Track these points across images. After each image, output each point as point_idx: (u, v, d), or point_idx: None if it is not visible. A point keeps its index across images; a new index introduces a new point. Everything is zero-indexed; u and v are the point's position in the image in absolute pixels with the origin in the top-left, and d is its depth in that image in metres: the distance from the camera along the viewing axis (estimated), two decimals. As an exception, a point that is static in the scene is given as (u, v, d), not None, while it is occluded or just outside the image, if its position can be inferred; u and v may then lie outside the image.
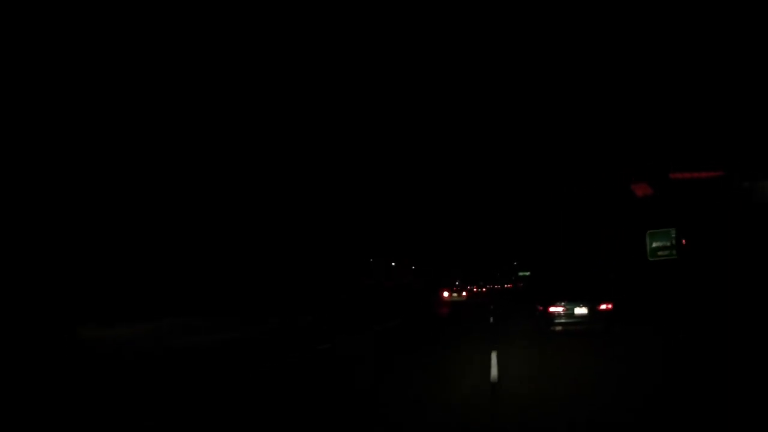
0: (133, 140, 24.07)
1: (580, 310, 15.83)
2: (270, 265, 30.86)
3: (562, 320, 15.85)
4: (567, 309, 15.90)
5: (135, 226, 23.57)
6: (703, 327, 14.81)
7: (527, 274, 74.18)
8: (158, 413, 7.10)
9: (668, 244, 25.03)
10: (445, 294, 44.60)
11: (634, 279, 31.38)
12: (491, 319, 22.72)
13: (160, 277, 22.04)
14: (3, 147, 19.14)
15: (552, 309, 16.05)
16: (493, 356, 11.34)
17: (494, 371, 9.42)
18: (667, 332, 15.15)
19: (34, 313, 17.06)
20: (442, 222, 71.91)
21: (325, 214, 38.59)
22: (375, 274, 52.91)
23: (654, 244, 25.54)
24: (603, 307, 15.86)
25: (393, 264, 57.32)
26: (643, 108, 31.95)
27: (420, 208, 62.46)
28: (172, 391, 8.55)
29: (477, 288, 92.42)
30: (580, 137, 42.29)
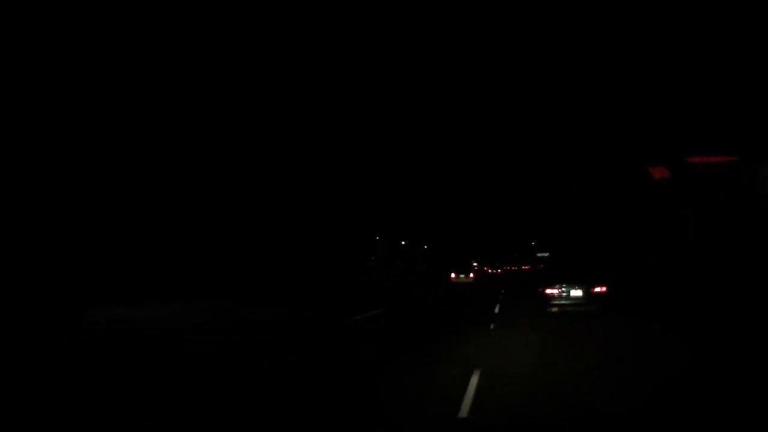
0: (137, 131, 24.26)
1: (576, 293, 16.41)
2: (269, 249, 30.68)
3: (558, 301, 16.45)
4: (563, 291, 16.49)
5: (137, 214, 23.83)
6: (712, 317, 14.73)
7: (546, 255, 72.75)
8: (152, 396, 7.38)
9: None
10: (452, 275, 44.33)
11: (634, 275, 31.42)
12: (497, 309, 20.22)
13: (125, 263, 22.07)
14: (15, 136, 19.63)
15: (549, 291, 16.64)
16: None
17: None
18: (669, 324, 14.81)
19: (44, 296, 17.43)
20: (456, 203, 70.89)
21: (331, 193, 38.08)
22: (381, 256, 51.71)
23: None
24: (598, 289, 16.42)
25: (403, 243, 56.25)
26: (663, 93, 32.23)
27: (434, 188, 61.98)
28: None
29: (492, 270, 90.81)
30: (599, 121, 41.72)
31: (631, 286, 26.62)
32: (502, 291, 31.96)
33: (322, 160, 37.66)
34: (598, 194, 47.85)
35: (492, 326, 14.77)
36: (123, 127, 24.08)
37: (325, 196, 36.78)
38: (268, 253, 30.48)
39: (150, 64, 25.03)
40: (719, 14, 26.13)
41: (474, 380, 7.32)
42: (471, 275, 44.02)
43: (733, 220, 23.62)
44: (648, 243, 34.58)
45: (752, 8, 24.55)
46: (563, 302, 16.43)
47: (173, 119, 25.93)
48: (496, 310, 19.91)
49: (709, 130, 28.31)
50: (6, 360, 10.07)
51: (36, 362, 9.91)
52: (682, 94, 30.00)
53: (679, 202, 29.61)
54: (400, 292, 30.39)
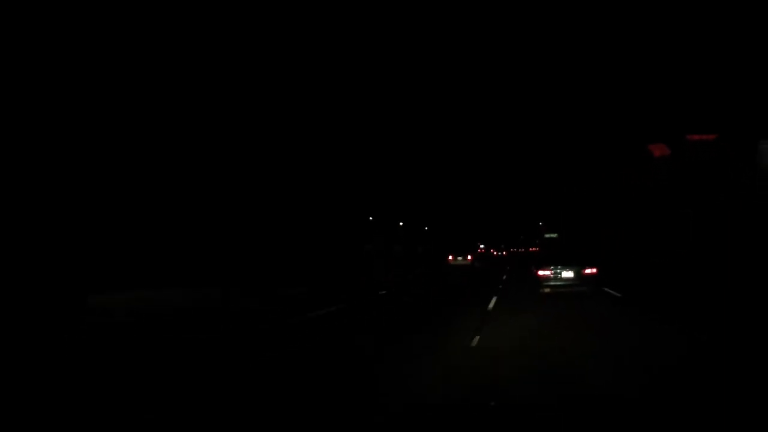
0: (138, 124, 24.58)
1: (567, 274, 17.25)
2: (262, 232, 30.46)
3: (551, 282, 17.23)
4: (555, 272, 17.31)
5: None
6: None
7: (555, 235, 71.56)
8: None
9: None
10: (450, 257, 44.54)
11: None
12: (490, 305, 15.46)
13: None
14: (19, 129, 19.86)
15: (541, 272, 17.50)
16: None
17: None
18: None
19: (45, 282, 17.39)
20: (458, 183, 69.64)
21: (324, 171, 37.41)
22: (378, 238, 50.37)
23: None
24: (588, 271, 17.28)
25: (401, 224, 55.23)
26: (662, 71, 32.27)
27: (435, 169, 61.15)
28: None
29: (497, 252, 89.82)
30: (600, 100, 41.66)
31: (624, 272, 27.10)
32: (504, 277, 29.84)
33: (319, 139, 37.56)
34: (600, 182, 49.10)
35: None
36: (128, 119, 24.25)
37: (317, 175, 36.06)
38: (261, 236, 30.58)
39: (151, 57, 25.14)
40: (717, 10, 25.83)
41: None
42: (468, 257, 44.25)
43: (733, 220, 23.62)
44: (648, 243, 34.72)
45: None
46: (555, 283, 17.20)
47: (170, 109, 26.10)
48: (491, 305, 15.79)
49: (709, 108, 28.33)
50: (5, 350, 10.08)
51: (35, 352, 9.93)
52: (682, 72, 30.21)
53: (679, 202, 29.68)
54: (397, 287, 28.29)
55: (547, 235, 74.27)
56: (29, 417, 5.75)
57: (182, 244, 25.38)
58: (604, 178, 47.68)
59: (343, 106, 40.26)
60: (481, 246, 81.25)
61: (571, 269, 17.30)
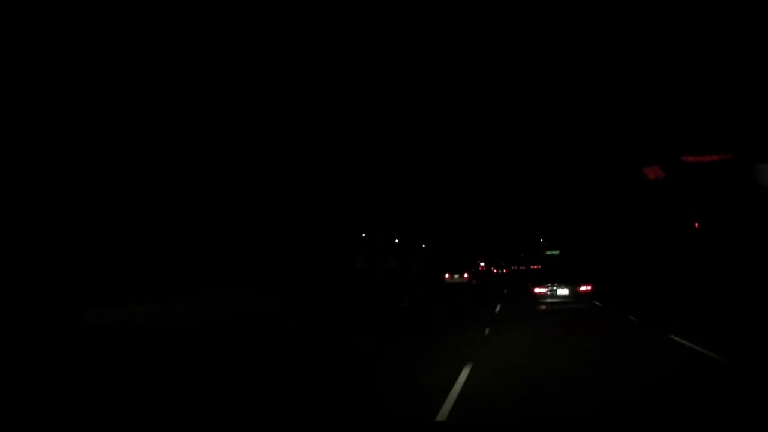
0: (135, 129, 24.68)
1: (563, 291, 17.76)
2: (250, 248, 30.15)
3: (547, 300, 17.81)
4: (551, 290, 17.82)
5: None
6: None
7: (556, 252, 70.93)
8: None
9: None
10: (447, 275, 44.23)
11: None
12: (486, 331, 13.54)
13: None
14: (18, 132, 19.94)
15: (537, 290, 18.09)
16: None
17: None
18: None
19: (42, 295, 17.39)
20: (457, 200, 68.84)
21: (313, 184, 36.78)
22: (371, 254, 48.73)
23: None
24: (583, 288, 17.81)
25: (396, 241, 53.93)
26: (655, 92, 32.02)
27: (433, 185, 60.57)
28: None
29: (497, 270, 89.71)
30: (597, 121, 41.63)
31: (623, 287, 27.24)
32: (505, 291, 30.33)
33: (316, 153, 37.51)
34: (598, 194, 48.51)
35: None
36: (125, 124, 24.17)
37: (307, 187, 35.49)
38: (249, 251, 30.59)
39: (150, 59, 25.14)
40: (714, 12, 25.90)
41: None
42: (465, 275, 43.97)
43: (733, 220, 23.73)
44: (648, 243, 35.08)
45: (746, 6, 24.00)
46: (551, 300, 17.75)
47: (161, 112, 26.09)
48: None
49: (704, 129, 28.10)
50: (6, 356, 10.10)
51: (36, 357, 9.97)
52: (677, 93, 29.94)
53: (678, 202, 29.97)
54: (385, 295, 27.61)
55: (548, 252, 73.77)
56: (30, 417, 5.79)
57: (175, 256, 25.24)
58: (602, 197, 47.14)
59: (336, 119, 40.22)
60: (482, 264, 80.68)
61: (566, 287, 17.78)
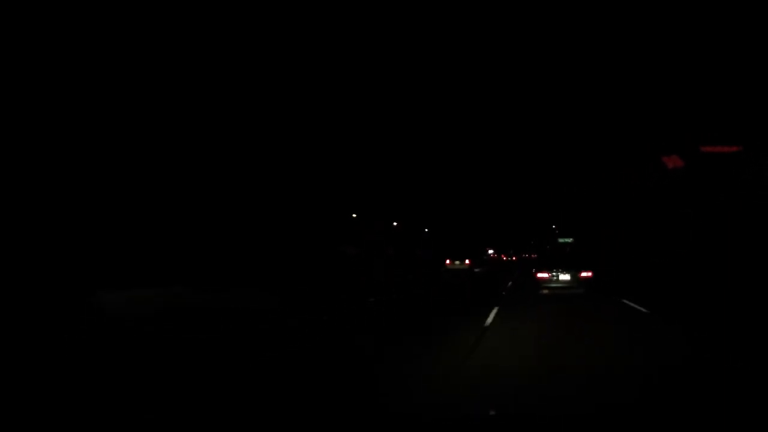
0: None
1: (564, 276, 18.93)
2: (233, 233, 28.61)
3: (549, 284, 18.95)
4: (553, 275, 19.00)
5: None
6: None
7: (569, 240, 67.72)
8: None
9: None
10: (447, 261, 43.05)
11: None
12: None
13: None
14: (28, 124, 20.39)
15: (540, 275, 19.34)
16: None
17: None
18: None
19: (55, 277, 17.59)
20: (463, 183, 66.31)
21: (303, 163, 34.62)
22: (366, 240, 45.24)
23: None
24: (584, 275, 18.96)
25: (395, 224, 51.66)
26: (676, 82, 31.68)
27: (437, 166, 58.36)
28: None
29: (506, 257, 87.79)
30: (613, 110, 40.72)
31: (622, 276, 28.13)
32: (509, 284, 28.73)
33: (313, 134, 35.94)
34: (613, 183, 47.88)
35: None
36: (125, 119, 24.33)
37: (297, 166, 33.44)
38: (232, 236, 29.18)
39: (137, 50, 24.99)
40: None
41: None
42: (467, 262, 42.87)
43: (733, 220, 23.86)
44: (648, 243, 34.63)
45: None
46: (553, 285, 18.90)
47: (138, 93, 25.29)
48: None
49: (725, 120, 27.93)
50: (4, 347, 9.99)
51: (35, 349, 9.79)
52: (696, 83, 29.58)
53: (679, 202, 30.23)
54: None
55: (561, 240, 71.20)
56: (29, 417, 5.59)
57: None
58: (617, 184, 45.99)
59: (331, 94, 38.32)
60: (491, 251, 79.05)
61: (568, 272, 18.91)
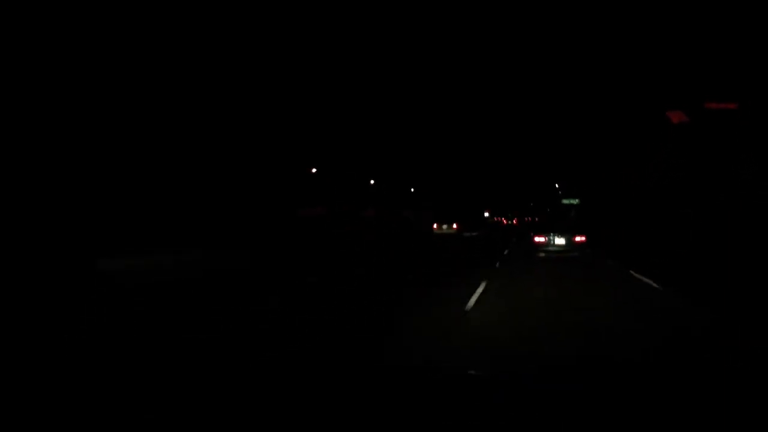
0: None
1: (560, 240, 20.46)
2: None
3: (546, 248, 20.36)
4: (549, 239, 20.48)
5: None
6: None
7: (575, 202, 61.92)
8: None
9: None
10: (435, 226, 41.16)
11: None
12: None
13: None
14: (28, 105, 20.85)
15: (537, 239, 20.92)
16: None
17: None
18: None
19: (54, 245, 17.81)
20: (456, 138, 62.21)
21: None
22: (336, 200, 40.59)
23: None
24: (578, 239, 20.63)
25: (372, 182, 46.69)
26: (680, 37, 30.97)
27: (430, 123, 54.79)
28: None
29: (507, 220, 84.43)
30: (616, 64, 38.87)
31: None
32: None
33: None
34: (617, 139, 46.54)
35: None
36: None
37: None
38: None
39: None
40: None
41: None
42: (454, 226, 40.94)
43: (733, 220, 24.24)
44: (647, 243, 33.71)
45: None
46: (549, 248, 20.34)
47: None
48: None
49: (730, 76, 27.69)
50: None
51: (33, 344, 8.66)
52: (702, 37, 28.99)
53: (678, 201, 31.02)
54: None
55: (565, 201, 67.23)
56: (25, 416, 4.48)
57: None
58: (622, 144, 45.80)
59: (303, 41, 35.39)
60: (486, 214, 75.95)
61: (563, 236, 20.50)
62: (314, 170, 36.47)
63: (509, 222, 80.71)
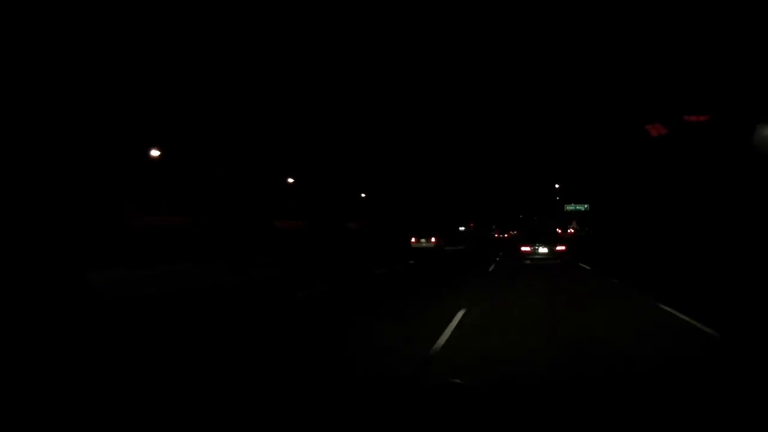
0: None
1: (543, 249, 22.90)
2: None
3: (531, 256, 22.69)
4: (534, 248, 22.89)
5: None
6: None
7: (584, 208, 59.49)
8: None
9: None
10: (413, 240, 40.12)
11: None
12: None
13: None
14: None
15: (523, 248, 23.15)
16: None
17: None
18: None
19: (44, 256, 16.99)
20: (443, 149, 60.61)
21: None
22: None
23: None
24: (559, 248, 23.18)
25: (363, 195, 45.43)
26: (659, 51, 32.36)
27: (416, 128, 53.69)
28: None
29: (498, 234, 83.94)
30: (598, 80, 40.88)
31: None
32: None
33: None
34: (600, 152, 48.57)
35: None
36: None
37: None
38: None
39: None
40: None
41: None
42: (432, 240, 39.76)
43: (730, 219, 25.01)
44: (647, 243, 34.75)
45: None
46: (534, 256, 22.67)
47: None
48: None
49: (707, 89, 28.95)
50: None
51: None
52: (680, 52, 30.33)
53: (678, 201, 31.51)
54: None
55: (568, 207, 61.62)
56: (23, 415, 4.50)
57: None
58: (605, 157, 47.94)
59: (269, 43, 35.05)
60: (471, 224, 75.75)
61: (546, 246, 23.00)
62: (291, 180, 35.81)
63: (501, 236, 79.76)
